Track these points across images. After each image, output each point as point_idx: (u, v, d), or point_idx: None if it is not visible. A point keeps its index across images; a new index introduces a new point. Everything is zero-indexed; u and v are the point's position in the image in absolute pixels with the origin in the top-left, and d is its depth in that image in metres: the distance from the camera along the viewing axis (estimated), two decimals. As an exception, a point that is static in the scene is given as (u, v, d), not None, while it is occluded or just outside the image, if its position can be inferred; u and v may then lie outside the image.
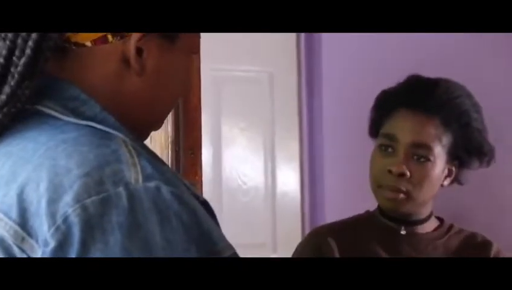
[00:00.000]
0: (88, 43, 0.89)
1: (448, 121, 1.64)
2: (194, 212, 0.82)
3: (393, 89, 1.72)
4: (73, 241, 0.77)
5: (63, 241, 0.77)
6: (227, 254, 0.82)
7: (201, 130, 1.80)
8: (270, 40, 2.64)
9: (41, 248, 0.79)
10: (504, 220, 2.52)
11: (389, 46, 2.52)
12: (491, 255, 1.70)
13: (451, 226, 1.74)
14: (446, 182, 1.69)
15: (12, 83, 0.86)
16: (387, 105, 1.70)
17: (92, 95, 0.89)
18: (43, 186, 0.80)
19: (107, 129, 0.86)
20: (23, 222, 0.80)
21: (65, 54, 0.90)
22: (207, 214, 0.84)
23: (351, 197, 2.32)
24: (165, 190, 0.80)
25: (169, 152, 1.78)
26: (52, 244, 0.78)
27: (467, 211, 2.42)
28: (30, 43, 0.86)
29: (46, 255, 0.78)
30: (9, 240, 0.81)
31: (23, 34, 0.86)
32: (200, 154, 1.80)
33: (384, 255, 1.67)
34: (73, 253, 0.77)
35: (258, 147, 2.73)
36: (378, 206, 1.71)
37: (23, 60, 0.86)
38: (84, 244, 0.77)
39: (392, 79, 1.73)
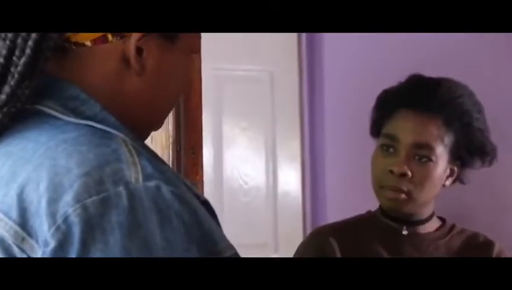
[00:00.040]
0: (88, 43, 0.89)
1: (450, 120, 1.64)
2: (195, 212, 0.81)
3: (395, 89, 1.72)
4: (73, 241, 0.77)
5: (63, 241, 0.77)
6: (228, 254, 0.82)
7: (203, 130, 1.80)
8: (271, 39, 2.64)
9: (41, 248, 0.78)
10: (506, 219, 2.51)
11: (389, 46, 2.52)
12: (494, 255, 1.70)
13: (453, 226, 1.74)
14: (448, 182, 1.68)
15: (12, 83, 0.86)
16: (389, 105, 1.70)
17: (92, 94, 0.89)
18: (43, 186, 0.80)
19: (107, 129, 0.86)
20: (23, 222, 0.80)
21: (65, 53, 0.90)
22: (208, 214, 0.84)
23: (352, 197, 2.31)
24: (165, 190, 0.80)
25: (170, 152, 1.77)
26: (52, 244, 0.78)
27: (468, 210, 2.41)
28: (30, 43, 0.86)
29: (46, 255, 0.78)
30: (9, 240, 0.80)
31: (23, 34, 0.86)
32: (201, 154, 1.79)
33: (386, 255, 1.66)
34: (73, 253, 0.77)
35: (259, 147, 2.73)
36: (380, 206, 1.71)
37: (23, 60, 0.86)
38: (85, 244, 0.77)
39: (393, 79, 1.73)
